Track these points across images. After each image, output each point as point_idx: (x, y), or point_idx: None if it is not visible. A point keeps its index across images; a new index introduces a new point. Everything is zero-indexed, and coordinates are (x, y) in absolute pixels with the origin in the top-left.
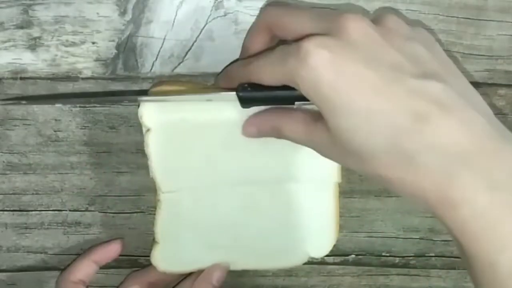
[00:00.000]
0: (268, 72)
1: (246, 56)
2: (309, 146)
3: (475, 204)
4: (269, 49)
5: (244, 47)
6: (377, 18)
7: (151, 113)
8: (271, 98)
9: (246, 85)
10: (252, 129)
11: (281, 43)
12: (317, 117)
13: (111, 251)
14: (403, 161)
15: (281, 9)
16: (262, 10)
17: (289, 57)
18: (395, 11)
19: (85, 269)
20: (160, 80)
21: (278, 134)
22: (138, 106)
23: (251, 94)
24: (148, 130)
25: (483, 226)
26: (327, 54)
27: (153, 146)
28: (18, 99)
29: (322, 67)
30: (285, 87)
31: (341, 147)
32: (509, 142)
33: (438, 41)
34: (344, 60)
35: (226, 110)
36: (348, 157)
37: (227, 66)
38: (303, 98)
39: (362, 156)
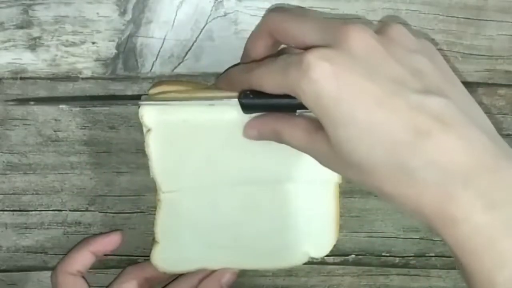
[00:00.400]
0: (269, 81)
1: (248, 60)
2: (309, 154)
3: (474, 221)
4: (271, 57)
5: (246, 51)
6: (381, 28)
7: (152, 113)
8: (273, 106)
9: (248, 92)
10: (252, 132)
11: (284, 50)
12: (319, 126)
13: (111, 242)
14: (402, 175)
15: (284, 16)
16: (265, 15)
17: (290, 68)
18: (400, 20)
19: (82, 260)
20: (160, 80)
21: (278, 138)
22: (139, 106)
23: (253, 101)
24: (148, 130)
25: (482, 243)
26: (329, 66)
27: (154, 146)
28: (27, 100)
29: (324, 80)
30: (287, 95)
31: (341, 159)
32: (510, 159)
33: (436, 45)
34: (346, 73)
35: (227, 111)
36: (348, 168)
37: (228, 68)
38: (304, 107)
39: (362, 169)
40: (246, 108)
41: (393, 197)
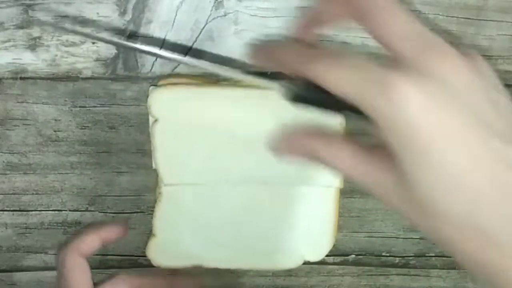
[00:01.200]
0: (341, 83)
1: (302, 36)
2: (356, 181)
3: None
4: (346, 55)
5: (311, 13)
6: (471, 62)
7: (160, 103)
8: (323, 104)
9: (301, 81)
10: (283, 149)
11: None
12: (372, 153)
13: (119, 231)
14: (477, 232)
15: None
16: None
17: (373, 84)
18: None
19: (92, 243)
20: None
21: (317, 160)
22: (147, 96)
23: (306, 93)
24: (155, 120)
25: None
26: (420, 96)
27: (159, 137)
28: None
29: (412, 109)
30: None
31: (405, 193)
32: None
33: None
34: (438, 107)
35: (235, 107)
36: (410, 204)
37: (269, 41)
38: (352, 109)
39: (428, 210)
40: (293, 98)
41: (457, 251)
